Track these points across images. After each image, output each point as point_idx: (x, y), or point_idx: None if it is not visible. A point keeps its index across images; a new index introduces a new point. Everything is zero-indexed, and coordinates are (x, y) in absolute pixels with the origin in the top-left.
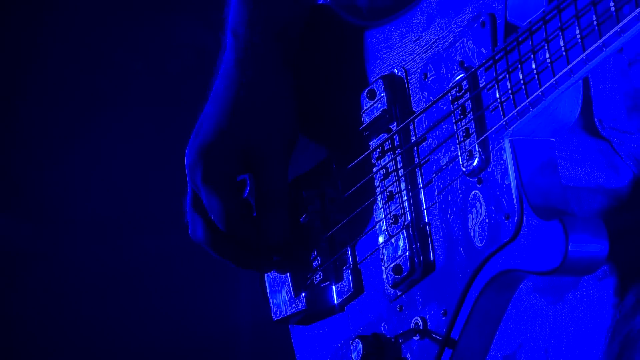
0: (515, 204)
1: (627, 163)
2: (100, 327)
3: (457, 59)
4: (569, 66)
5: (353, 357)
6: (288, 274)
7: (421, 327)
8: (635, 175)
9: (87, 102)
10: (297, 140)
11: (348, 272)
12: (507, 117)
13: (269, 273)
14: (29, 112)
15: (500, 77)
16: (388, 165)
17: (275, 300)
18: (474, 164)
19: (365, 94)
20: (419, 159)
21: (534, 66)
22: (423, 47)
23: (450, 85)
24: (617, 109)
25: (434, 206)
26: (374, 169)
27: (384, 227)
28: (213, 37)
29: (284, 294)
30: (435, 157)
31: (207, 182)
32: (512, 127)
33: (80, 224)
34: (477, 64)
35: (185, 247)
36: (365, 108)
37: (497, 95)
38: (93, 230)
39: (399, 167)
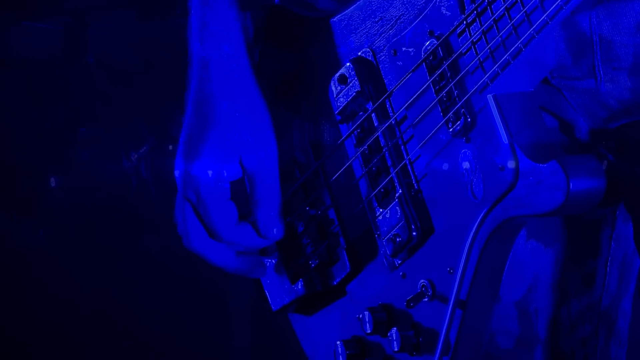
0: (509, 154)
1: (578, 112)
2: (100, 326)
3: (425, 29)
4: (546, 14)
5: (366, 329)
6: (283, 263)
7: (429, 289)
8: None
9: (87, 102)
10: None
11: (343, 252)
12: (489, 74)
13: None
14: (30, 112)
15: (476, 38)
16: (371, 144)
17: (272, 292)
18: (461, 124)
19: (335, 79)
20: (400, 132)
21: (510, 22)
22: (387, 25)
23: (424, 55)
24: (564, 57)
25: (425, 173)
26: (357, 150)
27: (376, 202)
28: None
29: (280, 283)
30: (420, 126)
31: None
32: (494, 83)
33: (80, 224)
34: (448, 30)
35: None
36: (337, 93)
37: (476, 56)
38: (93, 229)
39: (382, 144)
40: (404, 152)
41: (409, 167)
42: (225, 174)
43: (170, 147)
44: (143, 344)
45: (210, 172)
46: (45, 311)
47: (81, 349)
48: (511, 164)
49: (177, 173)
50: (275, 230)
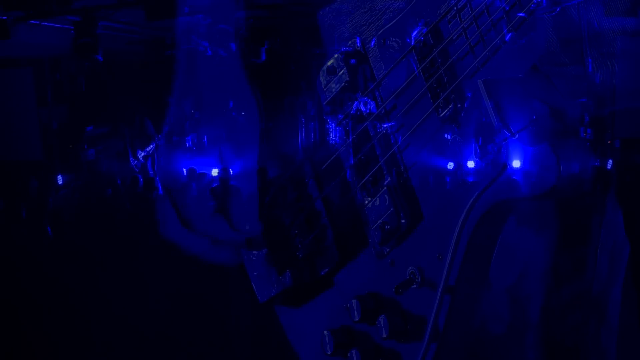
0: (500, 138)
1: (566, 99)
2: (103, 325)
3: (415, 17)
4: None
5: (354, 317)
6: (270, 255)
7: (418, 276)
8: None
9: (96, 100)
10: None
11: (331, 243)
12: (480, 58)
13: (249, 258)
14: (38, 110)
15: (467, 24)
16: (360, 134)
17: (259, 284)
18: (451, 110)
19: (324, 70)
20: (390, 120)
21: (501, 5)
22: (376, 15)
23: (414, 43)
24: (552, 43)
25: (414, 160)
26: (347, 140)
27: (365, 191)
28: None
29: (268, 275)
30: (410, 114)
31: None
32: (485, 68)
33: (85, 222)
34: (437, 17)
35: None
36: (326, 84)
37: (467, 40)
38: (98, 227)
39: (371, 133)
40: (393, 140)
41: (398, 155)
42: (206, 168)
43: None
44: (145, 341)
45: (191, 165)
46: (48, 310)
47: (82, 348)
48: (502, 148)
49: (158, 163)
50: (248, 225)
